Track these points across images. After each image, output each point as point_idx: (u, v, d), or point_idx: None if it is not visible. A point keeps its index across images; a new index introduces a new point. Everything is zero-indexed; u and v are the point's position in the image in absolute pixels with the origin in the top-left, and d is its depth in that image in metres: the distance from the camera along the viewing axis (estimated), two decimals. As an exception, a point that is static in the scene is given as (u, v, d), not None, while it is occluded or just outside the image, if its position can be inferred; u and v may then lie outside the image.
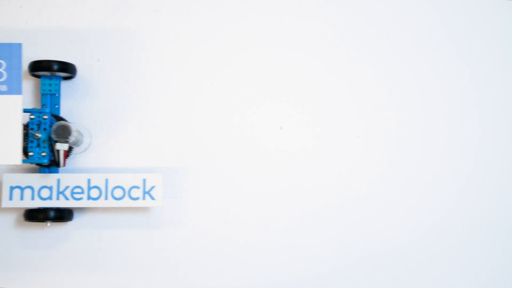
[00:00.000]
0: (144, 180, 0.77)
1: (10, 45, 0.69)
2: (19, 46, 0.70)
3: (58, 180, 0.77)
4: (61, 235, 0.78)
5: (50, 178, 0.76)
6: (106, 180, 0.77)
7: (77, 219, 0.78)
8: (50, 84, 0.78)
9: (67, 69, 0.78)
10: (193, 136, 0.81)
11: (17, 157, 0.69)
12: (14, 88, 0.69)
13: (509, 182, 0.82)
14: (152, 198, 0.77)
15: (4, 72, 0.69)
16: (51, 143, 0.73)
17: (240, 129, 0.81)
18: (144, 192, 0.77)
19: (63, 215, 0.77)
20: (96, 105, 0.80)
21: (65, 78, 0.80)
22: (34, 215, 0.76)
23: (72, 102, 0.80)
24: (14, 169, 0.78)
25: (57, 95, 0.79)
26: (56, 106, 0.78)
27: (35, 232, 0.78)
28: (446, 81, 0.83)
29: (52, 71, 0.78)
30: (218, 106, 0.81)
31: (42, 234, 0.78)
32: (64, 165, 0.73)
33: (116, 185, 0.77)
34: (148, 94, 0.81)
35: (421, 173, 0.81)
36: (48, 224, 0.77)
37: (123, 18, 0.81)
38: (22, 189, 0.76)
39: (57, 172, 0.77)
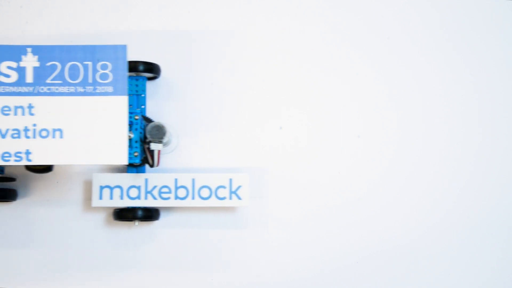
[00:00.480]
0: (231, 180, 0.78)
1: (115, 47, 0.70)
2: (124, 47, 0.70)
3: (146, 180, 0.77)
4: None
5: (138, 178, 0.77)
6: (193, 180, 0.78)
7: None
8: (136, 85, 0.79)
9: (152, 70, 0.79)
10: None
11: (123, 156, 0.70)
12: (119, 89, 0.70)
13: (509, 182, 0.81)
14: (239, 198, 0.78)
15: (109, 73, 0.70)
16: (143, 143, 0.75)
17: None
18: (231, 192, 0.78)
19: (150, 214, 0.78)
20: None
21: (149, 79, 0.81)
22: (123, 214, 0.77)
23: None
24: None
25: (143, 95, 0.80)
26: (143, 107, 0.79)
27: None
28: (446, 81, 0.83)
29: (138, 72, 0.78)
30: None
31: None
32: (158, 164, 0.74)
33: (202, 184, 0.78)
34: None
35: (421, 173, 0.81)
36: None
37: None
38: (111, 188, 0.77)
39: (144, 172, 0.78)
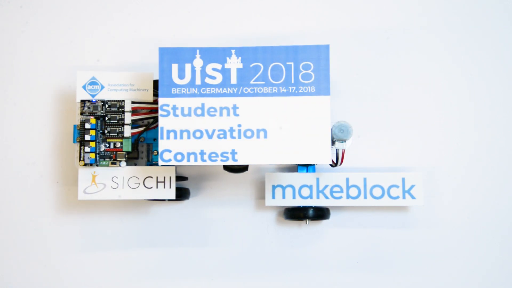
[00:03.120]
0: (403, 179, 0.77)
1: (318, 47, 0.70)
2: (327, 47, 0.70)
3: (318, 179, 0.77)
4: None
5: (309, 177, 0.77)
6: (365, 179, 0.77)
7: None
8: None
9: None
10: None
11: (326, 156, 0.70)
12: (322, 89, 0.70)
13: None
14: (412, 197, 0.77)
15: (312, 73, 0.71)
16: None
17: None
18: (404, 191, 0.77)
19: (321, 213, 0.78)
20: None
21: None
22: (295, 214, 0.78)
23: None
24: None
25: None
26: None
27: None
28: (446, 81, 0.81)
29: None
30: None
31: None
32: (341, 163, 0.74)
33: (374, 184, 0.77)
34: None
35: (421, 172, 0.78)
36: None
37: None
38: (283, 188, 0.77)
39: (314, 171, 0.78)
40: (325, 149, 0.70)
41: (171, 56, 0.70)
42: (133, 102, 0.74)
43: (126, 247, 0.79)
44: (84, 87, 0.75)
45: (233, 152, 0.70)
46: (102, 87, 0.75)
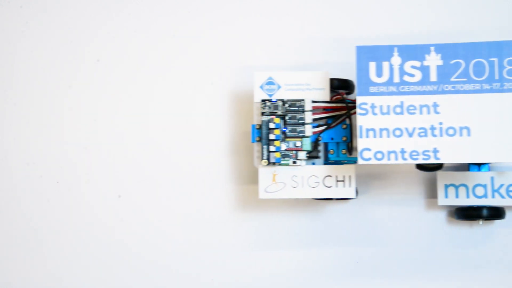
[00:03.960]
0: None
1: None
2: None
3: (492, 178, 0.76)
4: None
5: (483, 176, 0.76)
6: (545, 177, 0.75)
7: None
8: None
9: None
10: None
11: None
12: None
13: None
14: None
15: None
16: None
17: None
18: None
19: (496, 213, 0.76)
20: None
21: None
22: (468, 213, 0.76)
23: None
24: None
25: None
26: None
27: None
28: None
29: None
30: None
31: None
32: None
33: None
34: None
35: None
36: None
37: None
38: (456, 187, 0.76)
39: (488, 170, 0.77)
40: None
41: (368, 54, 0.70)
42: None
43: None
44: (261, 87, 0.75)
45: (435, 151, 0.69)
46: (279, 87, 0.75)
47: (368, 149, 0.69)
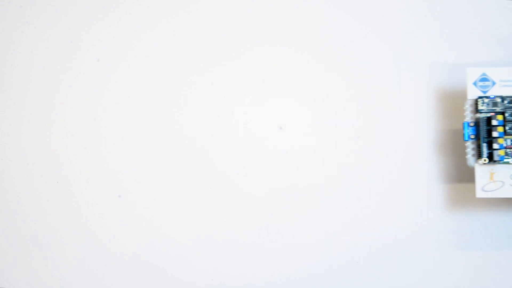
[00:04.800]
0: None
1: None
2: None
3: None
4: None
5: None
6: None
7: None
8: None
9: None
10: None
11: None
12: None
13: None
14: None
15: None
16: None
17: None
18: None
19: None
20: None
21: None
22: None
23: None
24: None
25: None
26: None
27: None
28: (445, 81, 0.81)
29: None
30: None
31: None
32: None
33: None
34: None
35: (420, 172, 0.79)
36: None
37: None
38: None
39: None
40: None
41: None
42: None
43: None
44: (474, 83, 0.74)
45: None
46: (494, 83, 0.74)
47: None
